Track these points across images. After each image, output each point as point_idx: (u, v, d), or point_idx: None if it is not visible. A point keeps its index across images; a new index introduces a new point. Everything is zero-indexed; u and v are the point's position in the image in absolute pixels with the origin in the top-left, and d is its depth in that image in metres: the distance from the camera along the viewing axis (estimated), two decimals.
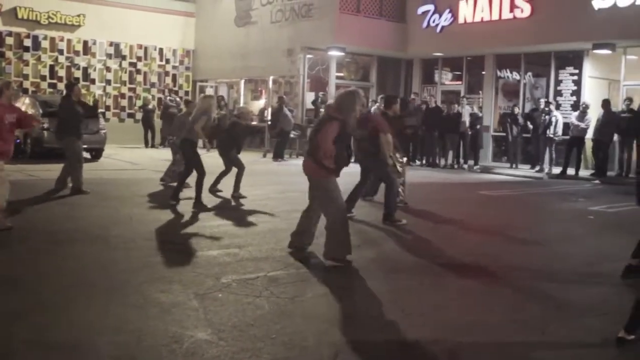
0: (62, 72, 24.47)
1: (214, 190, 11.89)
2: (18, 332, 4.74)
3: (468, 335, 5.06)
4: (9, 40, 23.43)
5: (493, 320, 5.47)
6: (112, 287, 5.96)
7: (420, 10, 22.21)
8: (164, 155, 14.63)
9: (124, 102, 25.94)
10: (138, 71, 26.14)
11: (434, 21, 21.79)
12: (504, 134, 20.61)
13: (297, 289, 6.07)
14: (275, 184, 13.87)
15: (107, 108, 25.13)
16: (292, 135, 20.93)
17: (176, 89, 26.80)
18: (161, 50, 26.61)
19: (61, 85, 23.87)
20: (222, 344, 4.64)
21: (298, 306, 5.58)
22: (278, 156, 20.31)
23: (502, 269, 7.30)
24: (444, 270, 7.11)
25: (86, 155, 13.59)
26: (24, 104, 17.30)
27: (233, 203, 11.35)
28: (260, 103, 25.00)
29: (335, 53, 21.94)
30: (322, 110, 19.76)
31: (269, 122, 21.48)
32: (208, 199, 10.91)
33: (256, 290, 5.93)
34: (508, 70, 21.39)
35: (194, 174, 10.72)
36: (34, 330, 4.81)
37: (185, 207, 10.42)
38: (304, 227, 7.47)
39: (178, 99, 24.59)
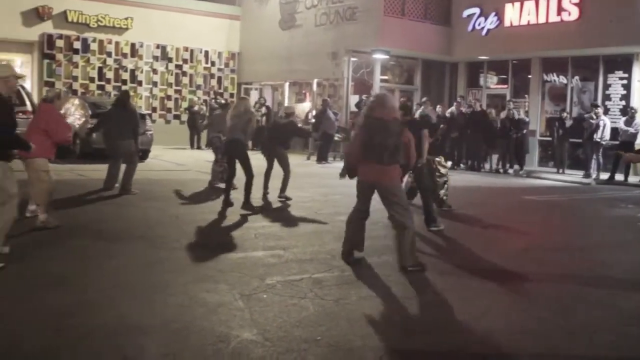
0: (110, 74, 24.90)
1: (265, 193, 11.93)
2: (66, 330, 4.84)
3: (514, 342, 5.00)
4: (59, 43, 23.93)
5: (539, 328, 5.38)
6: (158, 286, 6.04)
7: (466, 13, 22.05)
8: (209, 157, 14.79)
9: (170, 104, 26.30)
10: (184, 73, 26.47)
11: (479, 24, 21.61)
12: (550, 139, 20.33)
13: (341, 291, 6.08)
14: (319, 187, 13.90)
15: (154, 110, 25.54)
16: (336, 138, 20.93)
17: (221, 91, 27.05)
18: (207, 52, 26.90)
19: (109, 87, 24.40)
20: (267, 344, 4.67)
21: (342, 308, 5.59)
22: (322, 159, 20.37)
23: (547, 275, 7.20)
24: (488, 275, 7.03)
25: None
26: (73, 104, 17.64)
27: (278, 205, 11.41)
28: (305, 106, 25.08)
29: (379, 56, 21.87)
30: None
31: (313, 124, 21.54)
32: (252, 201, 10.95)
33: (301, 292, 5.97)
34: (555, 74, 21.09)
35: (240, 175, 10.80)
36: (82, 328, 4.90)
37: (231, 208, 10.52)
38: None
39: (223, 101, 24.81)
